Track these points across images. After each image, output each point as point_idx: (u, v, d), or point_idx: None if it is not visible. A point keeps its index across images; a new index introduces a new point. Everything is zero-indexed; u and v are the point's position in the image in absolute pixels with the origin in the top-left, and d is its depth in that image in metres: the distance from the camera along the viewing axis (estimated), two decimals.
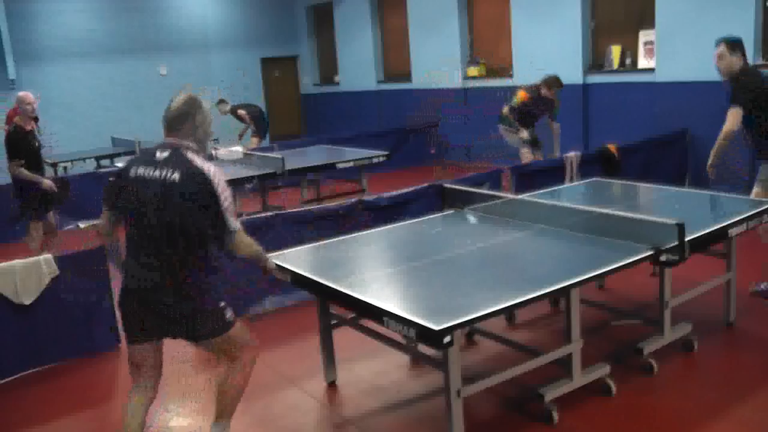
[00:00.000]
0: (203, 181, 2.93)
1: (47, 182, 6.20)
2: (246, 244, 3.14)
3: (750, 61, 7.50)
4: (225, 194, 2.97)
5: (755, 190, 4.87)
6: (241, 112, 11.06)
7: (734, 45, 4.94)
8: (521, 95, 7.82)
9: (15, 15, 12.61)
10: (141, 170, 3.03)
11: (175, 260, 2.98)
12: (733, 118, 4.76)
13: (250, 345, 3.24)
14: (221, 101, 10.97)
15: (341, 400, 3.98)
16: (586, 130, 9.67)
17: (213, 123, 3.21)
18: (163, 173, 2.97)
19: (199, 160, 3.00)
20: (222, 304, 3.10)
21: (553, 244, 3.90)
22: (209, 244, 3.04)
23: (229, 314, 3.11)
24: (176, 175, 2.95)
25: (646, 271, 4.71)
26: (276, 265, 3.52)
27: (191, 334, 3.11)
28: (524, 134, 7.77)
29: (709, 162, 4.90)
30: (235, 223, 3.02)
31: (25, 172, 6.03)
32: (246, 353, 3.21)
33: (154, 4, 14.27)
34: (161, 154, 3.03)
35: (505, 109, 7.94)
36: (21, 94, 6.17)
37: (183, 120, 3.05)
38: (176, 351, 4.56)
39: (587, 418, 3.49)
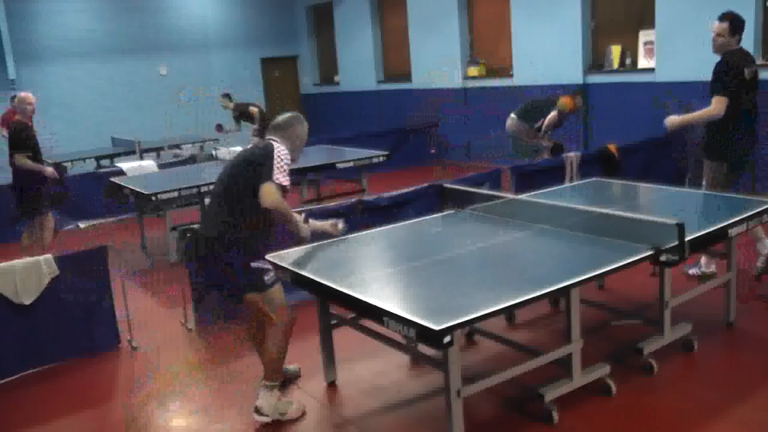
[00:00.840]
0: (267, 146, 3.56)
1: (49, 169, 6.43)
2: (282, 203, 3.49)
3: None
4: (281, 157, 3.51)
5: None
6: (254, 109, 11.04)
7: (736, 28, 4.97)
8: (569, 102, 7.83)
9: (15, 15, 12.62)
10: (238, 151, 3.81)
11: (223, 222, 3.53)
12: (720, 106, 4.85)
13: (286, 309, 3.66)
14: (225, 95, 11.00)
15: (341, 400, 3.98)
16: (586, 130, 9.68)
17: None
18: (247, 148, 3.73)
19: (277, 143, 3.61)
20: (263, 265, 3.58)
21: (553, 244, 3.90)
22: (255, 209, 3.47)
23: (268, 276, 3.57)
24: (250, 147, 3.74)
25: (646, 271, 4.71)
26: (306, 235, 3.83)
27: (231, 293, 3.77)
28: (547, 142, 7.93)
29: (677, 121, 5.05)
30: (279, 177, 3.46)
31: (30, 163, 6.29)
32: (283, 316, 3.62)
33: (154, 4, 14.27)
34: (254, 142, 3.80)
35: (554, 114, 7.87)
36: (22, 94, 6.42)
37: (286, 126, 3.74)
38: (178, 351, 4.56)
39: (587, 418, 3.49)
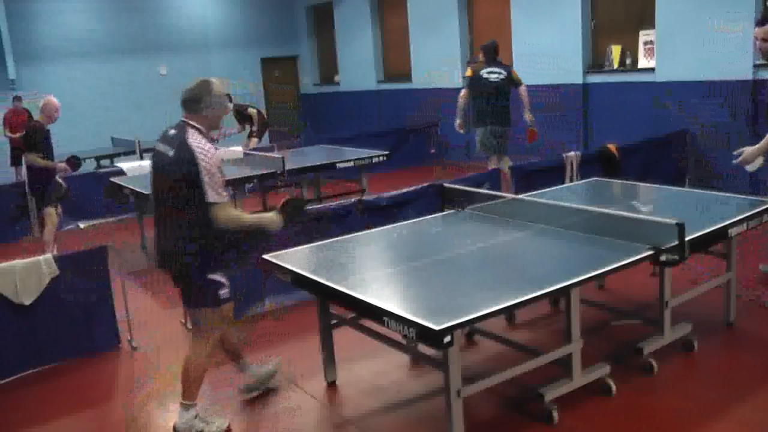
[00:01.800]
0: (190, 156, 3.27)
1: (61, 165, 6.76)
2: (231, 217, 3.39)
3: (750, 60, 7.55)
4: (208, 169, 3.26)
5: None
6: (252, 110, 11.07)
7: None
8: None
9: (15, 15, 12.62)
10: (158, 144, 3.50)
11: (171, 230, 3.39)
12: None
13: (225, 331, 3.58)
14: (225, 95, 10.99)
15: (341, 400, 3.98)
16: (586, 130, 9.67)
17: (225, 102, 3.55)
18: (166, 148, 3.41)
19: (194, 139, 3.34)
20: (217, 279, 3.44)
21: (553, 244, 3.90)
22: (196, 218, 3.33)
23: (222, 291, 3.46)
24: (171, 151, 3.37)
25: (646, 271, 4.71)
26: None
27: (185, 299, 3.57)
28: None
29: (753, 152, 4.57)
30: (215, 197, 3.29)
31: (40, 161, 6.59)
32: (216, 337, 3.54)
33: (154, 4, 14.27)
34: (172, 131, 3.46)
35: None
36: (51, 99, 6.77)
37: (194, 101, 3.42)
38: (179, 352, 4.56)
39: (587, 418, 3.49)
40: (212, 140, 3.45)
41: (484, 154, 7.98)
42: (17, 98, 11.34)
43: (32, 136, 6.65)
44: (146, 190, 6.55)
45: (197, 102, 3.41)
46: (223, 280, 3.48)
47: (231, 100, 11.10)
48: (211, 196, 3.28)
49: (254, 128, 11.18)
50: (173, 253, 3.42)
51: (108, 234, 7.87)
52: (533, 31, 10.11)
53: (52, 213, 6.78)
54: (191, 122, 3.41)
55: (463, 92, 7.88)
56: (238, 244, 3.65)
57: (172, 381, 4.28)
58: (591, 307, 4.43)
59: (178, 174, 3.31)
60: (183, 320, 5.20)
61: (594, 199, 5.02)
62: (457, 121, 7.96)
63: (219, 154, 3.39)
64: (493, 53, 7.84)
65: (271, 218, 3.61)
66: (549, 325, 4.67)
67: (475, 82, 7.75)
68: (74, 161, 6.84)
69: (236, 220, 3.44)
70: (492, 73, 7.76)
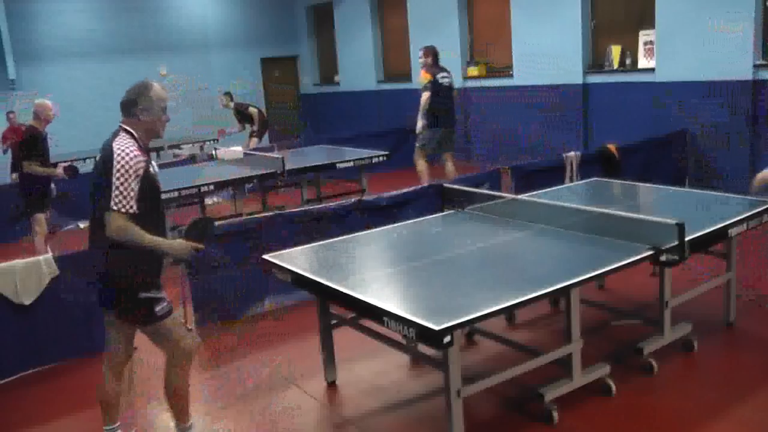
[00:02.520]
0: (108, 157, 3.04)
1: (59, 171, 6.56)
2: (126, 230, 3.02)
3: (750, 60, 7.55)
4: (122, 173, 2.99)
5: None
6: (253, 110, 11.09)
7: None
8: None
9: (15, 15, 12.61)
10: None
11: (99, 240, 3.11)
12: None
13: (186, 342, 3.32)
14: (227, 93, 11.04)
15: (341, 400, 3.98)
16: (586, 130, 9.67)
17: (165, 108, 3.26)
18: (100, 153, 3.15)
19: (120, 141, 3.10)
20: (151, 294, 3.15)
21: (553, 244, 3.90)
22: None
23: (159, 306, 3.17)
24: (99, 155, 3.14)
25: (646, 271, 4.71)
26: (198, 250, 3.23)
27: (122, 316, 3.26)
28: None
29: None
30: (116, 203, 2.98)
31: (39, 168, 6.41)
32: (182, 349, 3.28)
33: (154, 4, 14.26)
34: (110, 137, 3.19)
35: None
36: (41, 101, 6.52)
37: (129, 105, 3.20)
38: None
39: (587, 418, 3.49)
40: (146, 150, 3.19)
41: (437, 155, 8.28)
42: (11, 113, 11.14)
43: (28, 145, 6.45)
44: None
45: (133, 104, 3.18)
46: (160, 295, 3.19)
47: (232, 99, 11.13)
48: (113, 201, 2.97)
49: (255, 128, 11.19)
50: (101, 267, 3.19)
51: None
52: (533, 31, 10.11)
53: (41, 219, 6.66)
54: (125, 126, 3.19)
55: (427, 95, 7.95)
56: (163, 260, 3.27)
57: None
58: (591, 307, 4.44)
59: (97, 177, 3.09)
60: (183, 320, 5.20)
61: (594, 199, 5.02)
62: (422, 123, 8.04)
63: (141, 164, 3.06)
64: (438, 57, 8.21)
65: (172, 245, 3.20)
66: (549, 325, 4.67)
67: (436, 86, 7.97)
68: (72, 170, 6.79)
69: (131, 234, 3.03)
70: (445, 78, 8.13)
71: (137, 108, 3.18)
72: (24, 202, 6.73)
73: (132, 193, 3.02)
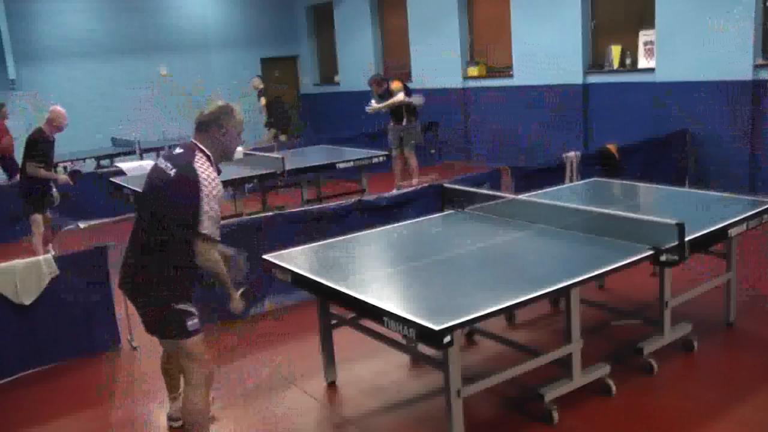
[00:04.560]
0: (194, 179, 2.97)
1: (62, 177, 6.72)
2: (212, 259, 3.07)
3: (750, 61, 7.56)
4: (209, 198, 2.97)
5: None
6: (263, 100, 11.49)
7: None
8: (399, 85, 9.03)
9: (15, 15, 12.61)
10: (160, 161, 3.20)
11: (147, 254, 3.09)
12: None
13: (208, 362, 3.28)
14: (259, 76, 11.49)
15: (341, 400, 3.98)
16: (586, 130, 9.67)
17: (241, 133, 3.25)
18: (167, 165, 3.10)
19: (200, 162, 3.04)
20: (184, 307, 3.11)
21: (553, 244, 3.90)
22: (182, 243, 3.03)
23: (191, 322, 3.13)
24: (173, 171, 3.06)
25: (646, 271, 4.71)
26: (243, 294, 3.37)
27: (152, 328, 3.24)
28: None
29: None
30: (209, 228, 2.98)
31: (42, 171, 6.49)
32: (202, 369, 3.20)
33: (154, 4, 14.26)
34: (178, 150, 3.16)
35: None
36: (58, 108, 6.59)
37: (210, 123, 3.14)
38: None
39: (587, 418, 3.49)
40: (219, 171, 3.16)
41: (416, 146, 9.19)
42: (3, 107, 10.77)
43: (29, 145, 6.49)
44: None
45: (215, 123, 3.12)
46: (192, 309, 3.16)
47: (262, 81, 12.12)
48: (206, 226, 2.97)
49: (271, 119, 11.42)
50: (142, 277, 3.13)
51: (108, 234, 7.87)
52: (533, 31, 10.11)
53: (39, 220, 6.69)
54: (201, 145, 3.11)
55: (403, 96, 8.99)
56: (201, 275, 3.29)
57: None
58: (591, 307, 4.44)
59: (175, 195, 3.01)
60: None
61: (594, 199, 5.02)
62: (377, 107, 9.21)
63: (221, 190, 3.08)
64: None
65: (235, 295, 3.32)
66: (549, 325, 4.67)
67: (407, 90, 9.16)
68: (76, 175, 6.84)
69: (214, 266, 3.10)
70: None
71: (219, 128, 3.12)
72: (23, 202, 6.76)
73: (218, 219, 3.02)
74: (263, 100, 11.90)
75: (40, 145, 6.48)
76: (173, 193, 3.02)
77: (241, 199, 7.59)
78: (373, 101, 9.36)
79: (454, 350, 3.00)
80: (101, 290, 4.78)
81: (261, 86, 12.17)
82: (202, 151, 3.10)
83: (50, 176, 6.62)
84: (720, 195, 4.78)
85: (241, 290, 3.37)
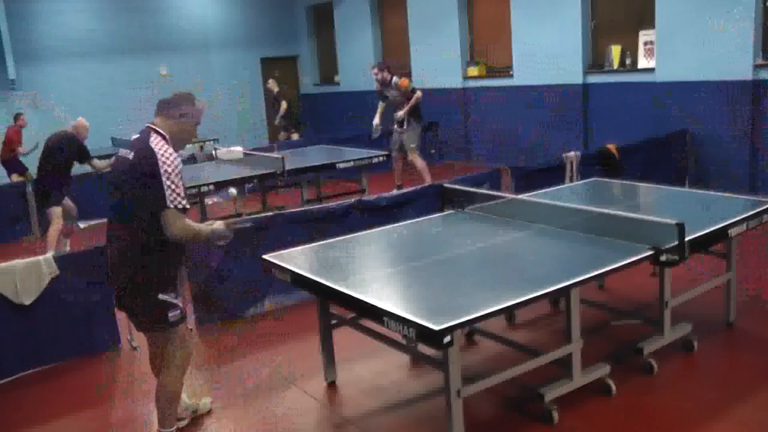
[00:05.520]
0: (151, 158, 3.04)
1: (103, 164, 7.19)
2: (186, 227, 3.10)
3: (750, 60, 7.56)
4: (169, 172, 3.03)
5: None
6: (284, 105, 11.57)
7: None
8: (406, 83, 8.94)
9: (15, 15, 12.60)
10: (120, 150, 3.26)
11: (123, 242, 3.12)
12: None
13: (189, 346, 3.38)
14: (273, 78, 12.11)
15: (341, 400, 3.98)
16: (586, 130, 9.67)
17: (198, 124, 3.33)
18: (126, 152, 3.18)
19: (155, 141, 3.12)
20: (168, 299, 3.18)
21: (553, 244, 3.90)
22: (155, 229, 3.06)
23: (173, 313, 3.20)
24: (131, 154, 3.13)
25: (646, 271, 4.71)
26: (230, 229, 3.33)
27: (135, 321, 3.33)
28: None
29: None
30: (174, 201, 3.03)
31: (99, 163, 7.19)
32: (183, 359, 3.33)
33: (154, 4, 14.26)
34: (134, 136, 3.22)
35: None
36: (83, 121, 7.37)
37: (171, 106, 3.24)
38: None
39: (587, 418, 3.49)
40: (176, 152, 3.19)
41: (417, 147, 8.98)
42: (17, 117, 10.93)
43: (81, 148, 7.05)
44: None
45: (175, 106, 3.22)
46: (175, 300, 3.21)
47: (278, 85, 12.23)
48: (168, 199, 3.00)
49: (291, 121, 11.54)
50: (121, 268, 3.16)
51: None
52: (533, 31, 10.11)
53: (58, 213, 6.91)
54: (157, 128, 3.19)
55: (420, 93, 8.92)
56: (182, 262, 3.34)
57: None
58: (591, 307, 4.43)
59: (136, 177, 3.06)
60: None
61: (594, 199, 5.02)
62: (405, 117, 8.93)
63: (180, 164, 3.13)
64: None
65: (215, 229, 3.28)
66: (549, 325, 4.67)
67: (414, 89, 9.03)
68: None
69: (190, 232, 3.12)
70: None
71: (179, 110, 3.22)
72: (40, 197, 7.05)
73: (182, 191, 3.07)
74: (284, 105, 11.94)
75: (71, 144, 6.94)
76: (135, 174, 3.08)
77: (241, 199, 7.58)
78: (376, 120, 9.20)
79: (454, 350, 3.00)
80: (101, 290, 4.77)
81: (276, 89, 12.18)
82: (158, 132, 3.17)
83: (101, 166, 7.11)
84: (720, 195, 4.78)
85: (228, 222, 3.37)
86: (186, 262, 4.44)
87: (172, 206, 3.02)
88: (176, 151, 3.20)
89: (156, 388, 3.37)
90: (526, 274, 3.46)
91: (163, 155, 3.06)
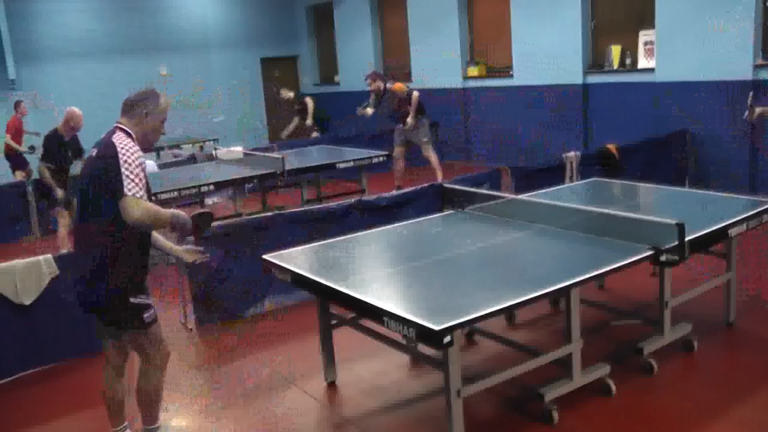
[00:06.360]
0: (112, 150, 3.02)
1: (59, 192, 6.72)
2: (148, 209, 3.01)
3: (750, 60, 7.55)
4: (128, 164, 2.99)
5: None
6: (311, 101, 11.84)
7: None
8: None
9: (15, 15, 12.60)
10: (91, 151, 3.24)
11: (89, 242, 3.12)
12: None
13: (166, 345, 3.38)
14: (284, 87, 12.14)
15: (341, 400, 3.98)
16: (586, 130, 9.67)
17: (165, 120, 3.33)
18: (93, 150, 3.19)
19: (118, 138, 3.10)
20: (139, 300, 3.18)
21: (553, 244, 3.90)
22: (121, 227, 3.01)
23: (147, 314, 3.20)
24: (95, 151, 3.15)
25: (646, 271, 4.71)
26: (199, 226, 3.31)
27: (107, 321, 3.26)
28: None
29: None
30: (132, 189, 2.96)
31: (47, 175, 6.66)
32: (162, 355, 3.34)
33: (154, 4, 14.26)
34: (102, 136, 3.21)
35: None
36: (75, 110, 6.92)
37: (135, 105, 3.24)
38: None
39: (587, 418, 3.49)
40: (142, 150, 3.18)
41: (430, 141, 9.12)
42: (17, 105, 10.94)
43: (45, 144, 6.75)
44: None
45: (140, 106, 3.22)
46: (147, 302, 3.22)
47: (290, 89, 12.26)
48: (126, 187, 2.94)
49: (315, 126, 11.61)
50: (91, 274, 3.13)
51: None
52: (533, 31, 10.11)
53: (64, 213, 6.87)
54: (124, 126, 3.19)
55: (417, 93, 9.05)
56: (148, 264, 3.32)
57: (172, 381, 4.29)
58: (591, 307, 4.43)
59: (97, 168, 3.05)
60: (183, 320, 5.20)
61: (594, 199, 5.02)
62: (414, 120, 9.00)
63: (142, 158, 3.10)
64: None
65: (179, 214, 3.19)
66: (549, 325, 4.67)
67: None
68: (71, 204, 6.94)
69: (151, 211, 3.03)
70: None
71: (144, 109, 3.21)
72: (44, 197, 7.01)
73: (141, 184, 3.01)
74: (311, 102, 11.93)
75: (50, 142, 6.67)
76: (96, 166, 3.08)
77: (241, 199, 7.59)
78: (369, 109, 9.34)
79: (454, 350, 3.00)
80: None
81: (291, 94, 12.21)
82: (122, 130, 3.17)
83: (49, 183, 6.68)
84: (720, 195, 4.78)
85: (197, 213, 3.33)
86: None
87: (130, 194, 2.95)
88: (146, 149, 3.23)
89: (136, 391, 3.38)
90: (526, 274, 3.46)
91: (123, 147, 3.05)
